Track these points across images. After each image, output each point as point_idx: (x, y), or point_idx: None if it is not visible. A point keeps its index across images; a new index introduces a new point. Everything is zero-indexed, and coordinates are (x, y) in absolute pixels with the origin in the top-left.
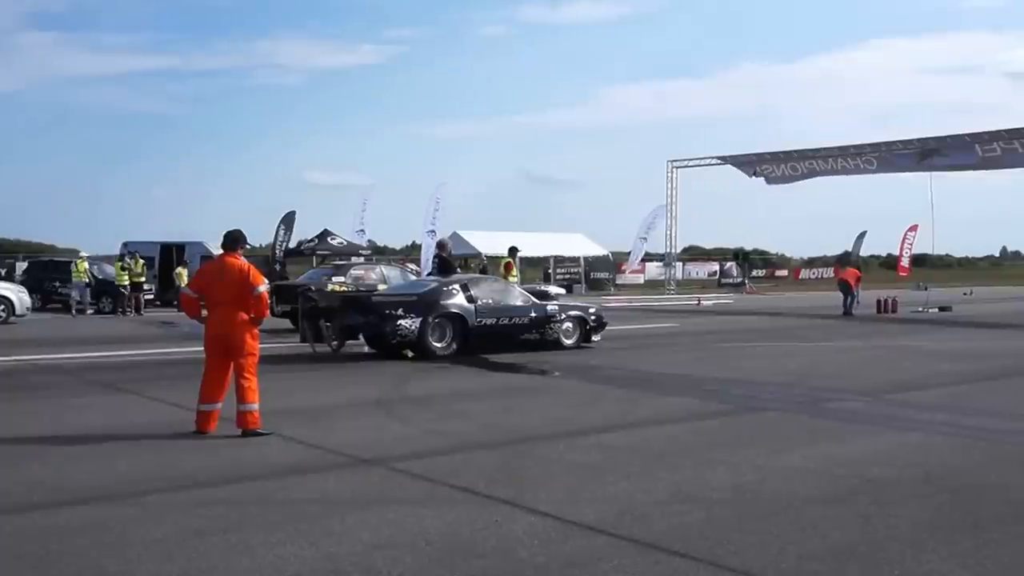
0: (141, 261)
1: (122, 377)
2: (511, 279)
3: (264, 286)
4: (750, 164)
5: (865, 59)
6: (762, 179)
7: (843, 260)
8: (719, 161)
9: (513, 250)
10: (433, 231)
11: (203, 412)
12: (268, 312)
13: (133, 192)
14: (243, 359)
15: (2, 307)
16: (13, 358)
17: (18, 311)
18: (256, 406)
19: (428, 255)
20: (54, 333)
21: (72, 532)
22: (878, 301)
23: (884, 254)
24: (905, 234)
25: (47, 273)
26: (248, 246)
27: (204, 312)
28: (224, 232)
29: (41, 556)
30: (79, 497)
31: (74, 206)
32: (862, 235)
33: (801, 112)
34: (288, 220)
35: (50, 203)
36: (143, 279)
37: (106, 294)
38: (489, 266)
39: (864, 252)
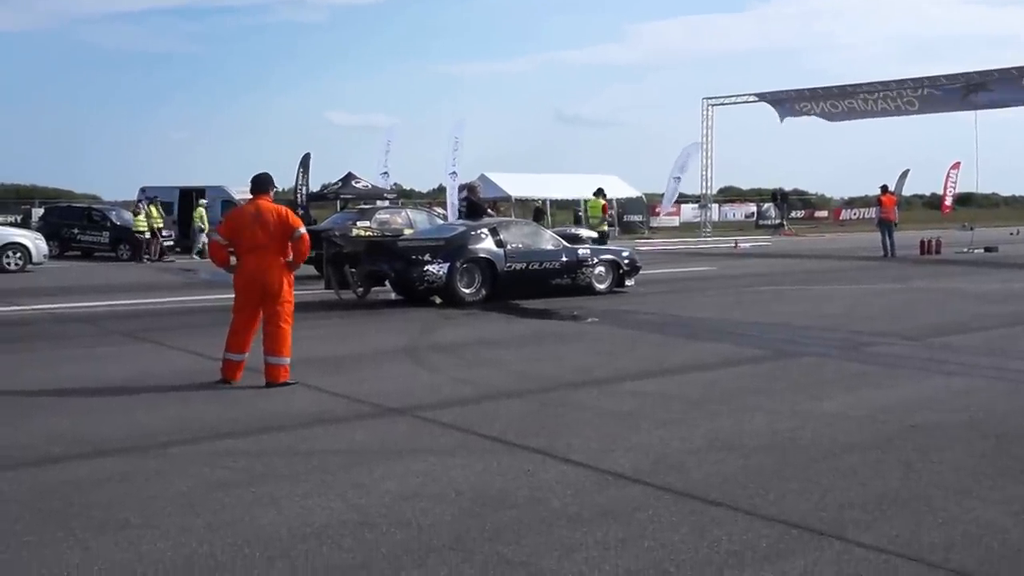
0: (158, 208)
1: (143, 326)
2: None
3: (304, 228)
4: (789, 101)
5: None
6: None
7: (883, 190)
8: (755, 98)
9: (601, 191)
10: (455, 172)
11: (230, 361)
12: (308, 253)
13: (150, 135)
14: (279, 306)
15: (19, 255)
16: (31, 307)
17: (35, 259)
18: (288, 360)
19: (452, 198)
20: (73, 281)
21: (93, 485)
22: (921, 242)
23: (928, 193)
24: (948, 172)
25: (64, 219)
26: (276, 189)
27: (232, 260)
28: (252, 176)
29: (62, 510)
30: (100, 449)
31: (90, 150)
32: (904, 173)
33: (840, 45)
34: (305, 162)
35: (66, 148)
36: (161, 225)
37: (124, 241)
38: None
39: (907, 191)
